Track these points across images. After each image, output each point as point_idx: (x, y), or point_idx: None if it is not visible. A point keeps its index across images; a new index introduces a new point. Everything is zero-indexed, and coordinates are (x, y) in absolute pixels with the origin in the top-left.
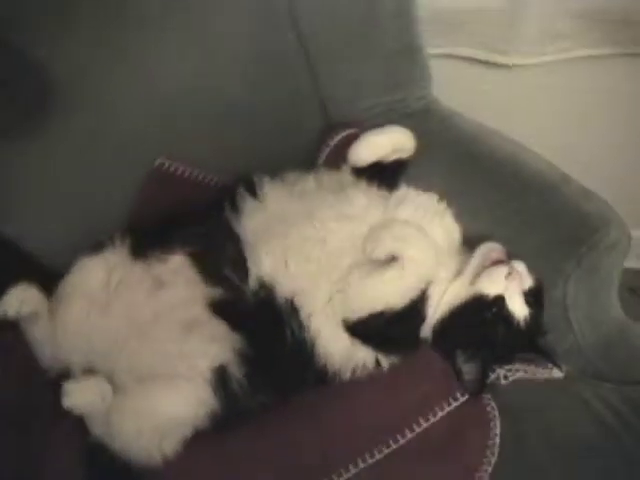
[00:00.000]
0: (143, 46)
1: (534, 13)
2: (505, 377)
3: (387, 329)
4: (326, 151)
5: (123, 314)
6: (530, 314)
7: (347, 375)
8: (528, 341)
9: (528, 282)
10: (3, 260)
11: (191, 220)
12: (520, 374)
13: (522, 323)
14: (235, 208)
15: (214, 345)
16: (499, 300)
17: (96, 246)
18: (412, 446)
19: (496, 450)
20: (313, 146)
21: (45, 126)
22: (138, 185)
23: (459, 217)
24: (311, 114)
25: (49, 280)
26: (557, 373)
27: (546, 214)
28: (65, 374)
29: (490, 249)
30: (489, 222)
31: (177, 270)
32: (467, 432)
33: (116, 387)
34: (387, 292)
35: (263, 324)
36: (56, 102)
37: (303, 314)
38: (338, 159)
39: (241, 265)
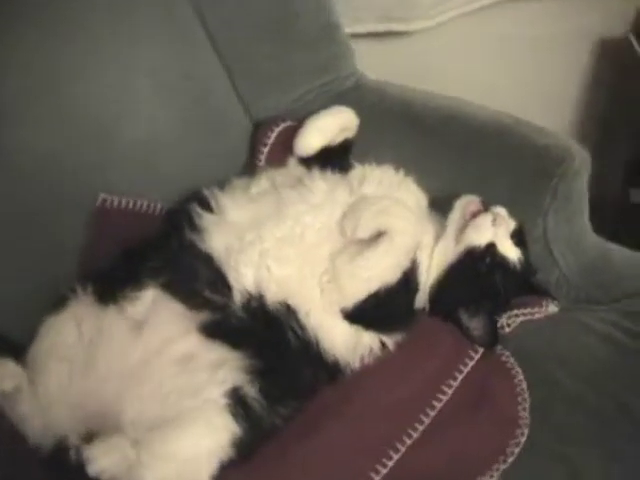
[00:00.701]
0: (68, 76)
1: None
2: (508, 325)
3: (386, 307)
4: (265, 151)
5: (108, 367)
6: (522, 255)
7: (356, 364)
8: (524, 282)
9: (512, 224)
10: None
11: (151, 251)
12: (520, 318)
13: (517, 265)
14: (195, 228)
15: (219, 370)
16: (491, 248)
17: (58, 302)
18: (445, 417)
19: (526, 394)
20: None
21: None
22: (84, 227)
23: (420, 182)
24: (240, 124)
25: (14, 350)
26: (553, 308)
27: (508, 156)
28: (62, 446)
29: (467, 202)
30: (451, 179)
31: (153, 305)
32: (494, 387)
33: (130, 442)
34: (381, 269)
35: (262, 334)
36: None
37: (300, 314)
38: (281, 155)
39: (220, 283)
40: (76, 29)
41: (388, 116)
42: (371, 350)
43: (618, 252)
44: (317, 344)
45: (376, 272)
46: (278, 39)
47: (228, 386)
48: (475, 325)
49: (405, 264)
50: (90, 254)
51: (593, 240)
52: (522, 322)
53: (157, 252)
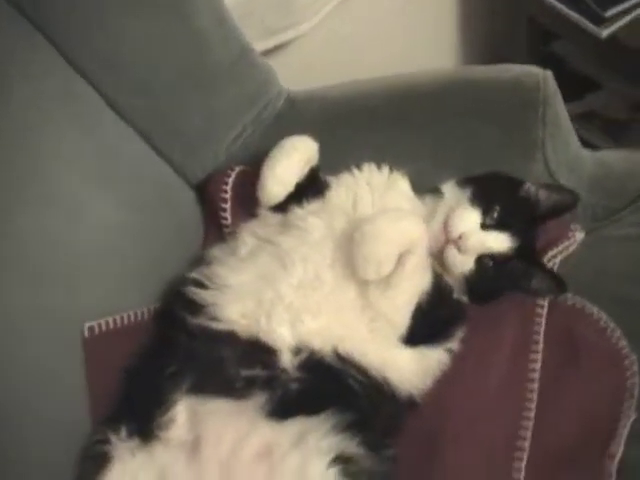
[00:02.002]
0: None
1: None
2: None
3: (434, 313)
4: (227, 207)
5: None
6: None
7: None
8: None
9: (473, 215)
10: None
11: (159, 360)
12: (559, 258)
13: (508, 248)
14: (198, 311)
15: (308, 442)
16: (480, 260)
17: (96, 462)
18: (550, 382)
19: (610, 324)
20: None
21: None
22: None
23: (404, 169)
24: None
25: None
26: (580, 234)
27: (484, 106)
28: None
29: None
30: (436, 155)
31: (194, 417)
32: (576, 334)
33: None
34: (415, 283)
35: (329, 389)
36: None
37: (357, 358)
38: (247, 206)
39: (256, 355)
40: None
41: (340, 119)
42: (440, 364)
43: (609, 156)
44: (386, 383)
45: (412, 289)
46: (198, 85)
47: (332, 454)
48: (533, 285)
49: (427, 264)
50: (98, 390)
51: (586, 154)
52: (562, 261)
53: (167, 357)
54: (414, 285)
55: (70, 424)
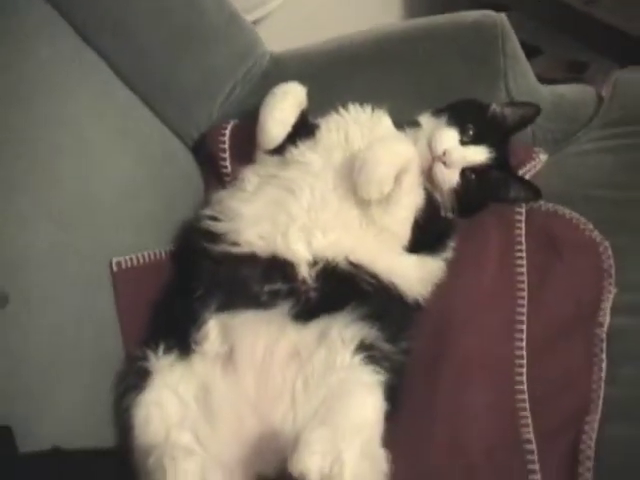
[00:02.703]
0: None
1: None
2: None
3: (429, 226)
4: (227, 156)
5: (233, 410)
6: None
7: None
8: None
9: (452, 135)
10: None
11: (186, 287)
12: (527, 176)
13: (488, 158)
14: (218, 239)
15: (332, 338)
16: (464, 174)
17: (136, 377)
18: (534, 274)
19: (582, 220)
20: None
21: None
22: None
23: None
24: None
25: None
26: (544, 155)
27: (451, 47)
28: None
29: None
30: (411, 95)
31: (225, 331)
32: (554, 232)
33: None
34: (412, 199)
35: (345, 292)
36: None
37: (367, 266)
38: (244, 155)
39: (276, 270)
40: None
41: (322, 70)
42: (438, 271)
43: (561, 88)
44: (394, 287)
45: (410, 205)
46: (193, 45)
47: (355, 343)
48: (512, 194)
49: (420, 181)
50: (129, 319)
51: (541, 86)
52: (530, 178)
53: (194, 282)
54: (412, 200)
55: (105, 351)
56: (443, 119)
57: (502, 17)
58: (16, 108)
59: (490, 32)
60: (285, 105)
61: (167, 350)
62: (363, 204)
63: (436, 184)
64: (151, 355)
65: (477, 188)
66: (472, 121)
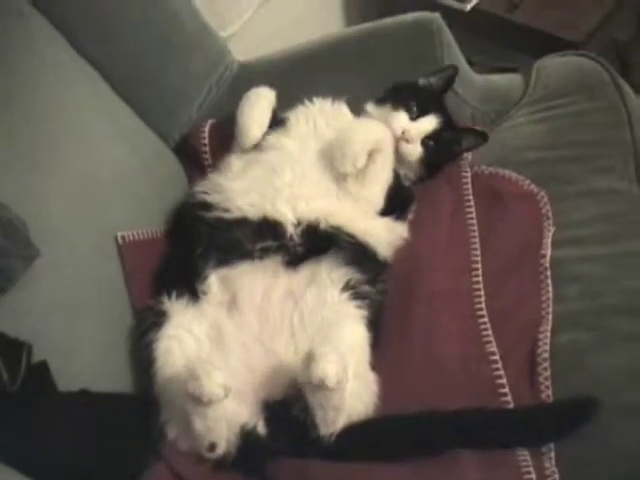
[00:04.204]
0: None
1: None
2: (467, 157)
3: (397, 195)
4: (208, 150)
5: (241, 346)
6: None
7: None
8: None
9: (402, 117)
10: None
11: (188, 248)
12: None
13: (438, 124)
14: (211, 207)
15: (321, 280)
16: (425, 141)
17: (154, 318)
18: (484, 222)
19: (520, 177)
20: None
21: None
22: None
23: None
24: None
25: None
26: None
27: (395, 38)
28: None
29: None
30: (364, 87)
31: (226, 281)
32: (497, 189)
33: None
34: (385, 174)
35: (327, 246)
36: None
37: (346, 228)
38: (223, 151)
39: (266, 230)
40: None
41: (285, 72)
42: (403, 234)
43: (491, 76)
44: (369, 245)
45: (383, 180)
46: (175, 54)
47: (342, 282)
48: (464, 145)
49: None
50: (136, 282)
51: (474, 74)
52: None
53: (193, 243)
54: (385, 176)
55: (116, 312)
56: (388, 105)
57: (436, 15)
58: (27, 102)
59: (427, 27)
60: (260, 108)
61: (179, 296)
62: (339, 178)
63: (404, 160)
64: (165, 299)
65: (437, 151)
66: (411, 98)
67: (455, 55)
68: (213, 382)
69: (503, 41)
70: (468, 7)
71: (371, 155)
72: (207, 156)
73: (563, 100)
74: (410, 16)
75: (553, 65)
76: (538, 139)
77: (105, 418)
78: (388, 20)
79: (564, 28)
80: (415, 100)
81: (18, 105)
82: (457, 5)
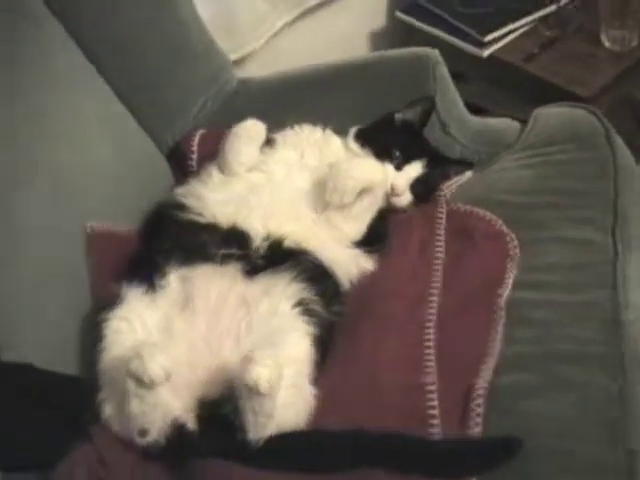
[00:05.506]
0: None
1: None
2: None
3: (375, 231)
4: (194, 158)
5: (187, 342)
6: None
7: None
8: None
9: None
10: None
11: (154, 243)
12: (453, 186)
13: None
14: (187, 209)
15: (276, 292)
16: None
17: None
18: (451, 255)
19: (493, 217)
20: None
21: None
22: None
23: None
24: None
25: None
26: (469, 174)
27: (390, 68)
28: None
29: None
30: (356, 113)
31: (184, 282)
32: (469, 226)
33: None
34: (370, 214)
35: (290, 263)
36: None
37: (314, 252)
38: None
39: (233, 239)
40: None
41: (282, 91)
42: (369, 269)
43: (488, 119)
44: (333, 272)
45: (366, 218)
46: (179, 66)
47: (295, 299)
48: (452, 174)
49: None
50: (99, 271)
51: (470, 115)
52: (456, 188)
53: (160, 240)
54: (369, 215)
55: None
56: (369, 151)
57: (435, 52)
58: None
59: (424, 61)
60: (250, 149)
61: (138, 284)
62: (323, 205)
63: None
64: (124, 285)
65: (426, 191)
66: (392, 143)
67: (450, 94)
68: (156, 364)
69: (517, 91)
70: (485, 53)
71: (360, 194)
72: (193, 163)
73: (552, 148)
74: (412, 49)
75: (549, 114)
76: (521, 183)
77: (39, 393)
78: (392, 51)
79: (576, 83)
80: (396, 145)
81: (21, 101)
82: (475, 51)
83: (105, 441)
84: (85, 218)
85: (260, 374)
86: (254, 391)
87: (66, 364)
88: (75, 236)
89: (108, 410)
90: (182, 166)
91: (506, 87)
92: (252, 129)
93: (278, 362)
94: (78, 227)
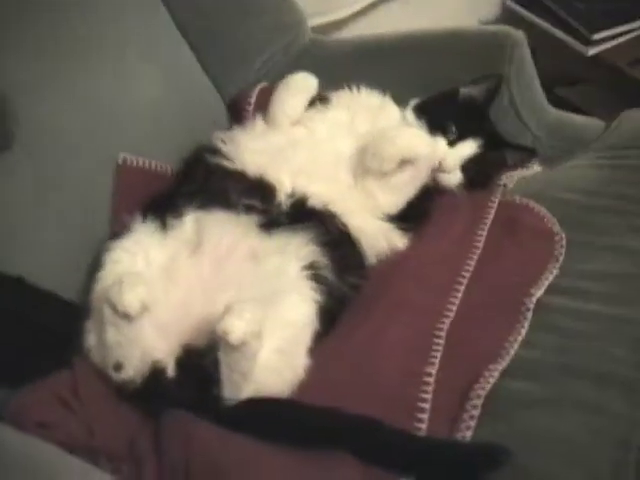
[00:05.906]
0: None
1: None
2: (505, 185)
3: (417, 208)
4: (250, 109)
5: (187, 285)
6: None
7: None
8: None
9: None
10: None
11: (179, 184)
12: (515, 177)
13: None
14: (219, 153)
15: (289, 251)
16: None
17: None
18: (489, 245)
19: (548, 214)
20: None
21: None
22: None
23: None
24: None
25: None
26: (537, 167)
27: (470, 49)
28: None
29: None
30: (424, 85)
31: (199, 224)
32: (518, 219)
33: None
34: (408, 190)
35: (312, 224)
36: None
37: (342, 217)
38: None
39: (256, 191)
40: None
41: (349, 57)
42: (400, 246)
43: (571, 114)
44: (359, 243)
45: (405, 192)
46: (245, 10)
47: (307, 261)
48: (510, 162)
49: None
50: (121, 205)
51: (548, 105)
52: (518, 180)
53: (185, 182)
54: (409, 189)
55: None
56: (424, 123)
57: (519, 33)
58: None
59: (501, 40)
60: (295, 102)
61: (151, 220)
62: (362, 170)
63: (444, 186)
64: (138, 218)
65: (478, 173)
66: (450, 117)
67: (526, 80)
68: (133, 295)
69: (618, 94)
70: (590, 52)
71: (402, 164)
72: (248, 115)
73: (629, 152)
74: (494, 27)
75: (635, 117)
76: (586, 183)
77: (28, 310)
78: (473, 27)
79: None
80: (454, 119)
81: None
82: (580, 48)
83: (84, 373)
84: (120, 150)
85: (233, 326)
86: (224, 342)
87: (69, 291)
88: (105, 164)
89: (91, 340)
90: (238, 117)
91: (608, 89)
92: (302, 82)
93: (258, 319)
94: (110, 156)
